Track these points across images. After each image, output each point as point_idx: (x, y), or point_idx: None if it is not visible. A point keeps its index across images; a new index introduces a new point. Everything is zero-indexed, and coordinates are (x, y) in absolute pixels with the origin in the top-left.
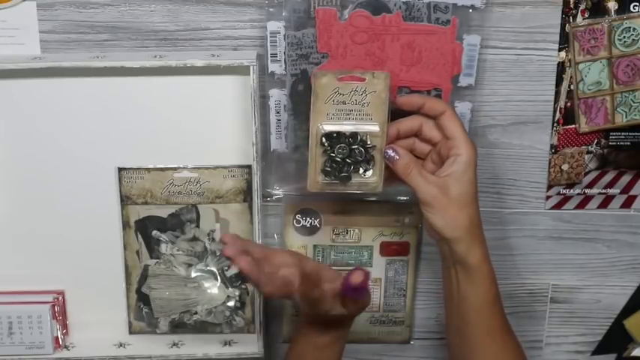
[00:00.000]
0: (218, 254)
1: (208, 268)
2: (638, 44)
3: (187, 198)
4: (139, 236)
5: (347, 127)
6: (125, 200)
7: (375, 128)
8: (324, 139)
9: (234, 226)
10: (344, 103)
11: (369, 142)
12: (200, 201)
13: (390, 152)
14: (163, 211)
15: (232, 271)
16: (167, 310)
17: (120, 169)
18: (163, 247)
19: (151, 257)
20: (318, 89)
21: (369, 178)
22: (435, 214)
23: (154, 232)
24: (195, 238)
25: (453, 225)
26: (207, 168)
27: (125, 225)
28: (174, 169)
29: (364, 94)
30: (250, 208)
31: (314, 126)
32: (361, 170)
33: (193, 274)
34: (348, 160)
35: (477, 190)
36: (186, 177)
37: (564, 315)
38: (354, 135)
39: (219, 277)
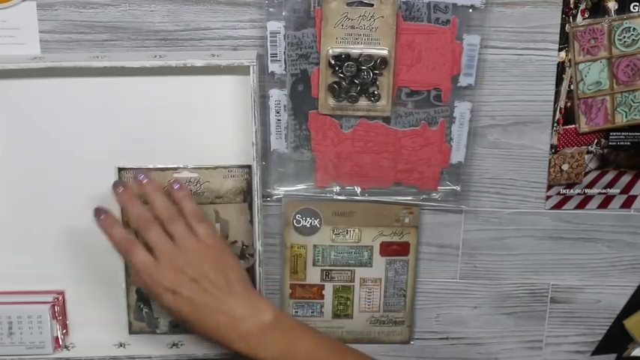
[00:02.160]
0: None
1: None
2: (638, 44)
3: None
4: (139, 236)
5: (355, 50)
6: None
7: (384, 52)
8: (332, 61)
9: (234, 226)
10: (352, 27)
11: (377, 65)
12: (200, 201)
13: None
14: None
15: None
16: None
17: (120, 169)
18: None
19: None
20: (327, 13)
21: (378, 101)
22: None
23: None
24: None
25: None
26: (207, 168)
27: (125, 225)
28: (175, 169)
29: (372, 20)
30: (250, 208)
31: (324, 49)
32: (370, 91)
33: None
34: (355, 80)
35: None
36: (186, 177)
37: (564, 315)
38: (362, 57)
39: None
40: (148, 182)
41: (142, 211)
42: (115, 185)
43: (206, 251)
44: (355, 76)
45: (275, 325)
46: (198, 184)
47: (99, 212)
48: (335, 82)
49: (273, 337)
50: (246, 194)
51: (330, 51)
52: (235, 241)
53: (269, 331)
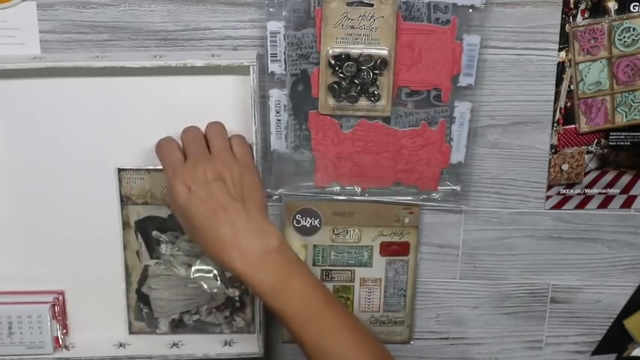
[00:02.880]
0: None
1: (208, 267)
2: (638, 44)
3: None
4: (139, 236)
5: (355, 51)
6: (125, 201)
7: (384, 52)
8: (332, 61)
9: None
10: (352, 27)
11: (377, 65)
12: None
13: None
14: (164, 212)
15: None
16: (167, 310)
17: (120, 170)
18: (163, 248)
19: (151, 257)
20: (327, 13)
21: (378, 101)
22: None
23: (154, 233)
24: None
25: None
26: None
27: (125, 225)
28: None
29: (372, 20)
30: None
31: (323, 49)
32: (370, 91)
33: (193, 275)
34: (355, 80)
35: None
36: None
37: (564, 315)
38: (362, 57)
39: (219, 278)
40: None
41: (196, 130)
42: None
43: (234, 164)
44: (355, 76)
45: (278, 252)
46: None
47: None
48: (335, 82)
49: (274, 264)
50: None
51: (330, 51)
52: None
53: (270, 257)
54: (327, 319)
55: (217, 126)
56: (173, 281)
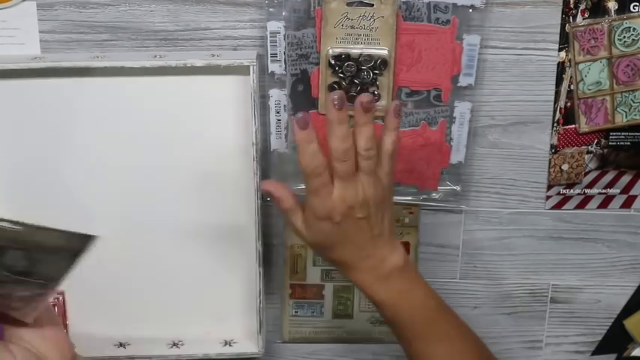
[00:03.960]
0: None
1: None
2: (638, 44)
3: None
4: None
5: (355, 51)
6: None
7: (384, 52)
8: (332, 61)
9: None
10: (352, 27)
11: (377, 65)
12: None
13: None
14: None
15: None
16: None
17: None
18: None
19: None
20: (327, 13)
21: (378, 101)
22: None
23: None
24: None
25: (326, 261)
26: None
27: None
28: None
29: (372, 20)
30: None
31: (323, 49)
32: (370, 92)
33: None
34: (355, 80)
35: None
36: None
37: (564, 315)
38: (362, 57)
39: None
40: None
41: (348, 140)
42: (333, 99)
43: (380, 190)
44: (355, 76)
45: (402, 269)
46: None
47: (300, 123)
48: (335, 82)
49: (398, 280)
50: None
51: (330, 51)
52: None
53: (395, 274)
54: (439, 326)
55: (367, 142)
56: None
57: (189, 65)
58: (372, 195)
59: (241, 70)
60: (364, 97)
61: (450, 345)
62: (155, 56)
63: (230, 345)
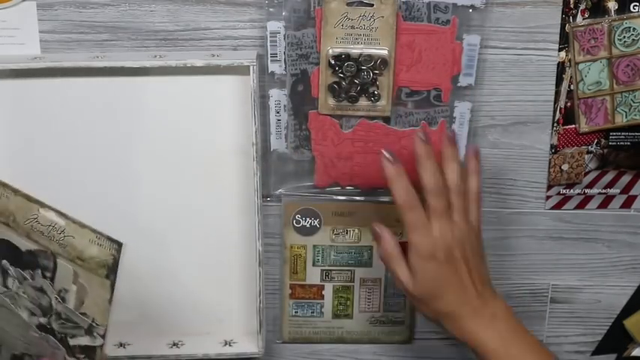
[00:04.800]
0: (64, 318)
1: (50, 327)
2: (638, 44)
3: (46, 238)
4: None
5: (355, 51)
6: None
7: (384, 52)
8: (332, 61)
9: (91, 297)
10: (352, 27)
11: (377, 65)
12: (60, 252)
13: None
14: (23, 243)
15: (78, 341)
16: (7, 343)
17: None
18: (10, 282)
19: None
20: (327, 13)
21: (378, 101)
22: (413, 302)
23: (4, 262)
24: (42, 290)
25: (430, 315)
26: (74, 222)
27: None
28: (41, 203)
29: (372, 20)
30: (112, 288)
31: (323, 49)
32: (370, 91)
33: (33, 324)
34: (355, 80)
35: (458, 272)
36: (51, 220)
37: (564, 315)
38: (362, 57)
39: (59, 343)
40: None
41: (438, 175)
42: (418, 136)
43: (472, 234)
44: (355, 76)
45: (506, 314)
46: (62, 234)
47: (390, 160)
48: (335, 82)
49: (503, 326)
50: (110, 271)
51: (330, 51)
52: (85, 313)
53: (500, 319)
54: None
55: (455, 178)
56: (15, 318)
57: (189, 65)
58: (466, 235)
59: (241, 70)
60: (450, 132)
61: None
62: (155, 56)
63: (230, 345)
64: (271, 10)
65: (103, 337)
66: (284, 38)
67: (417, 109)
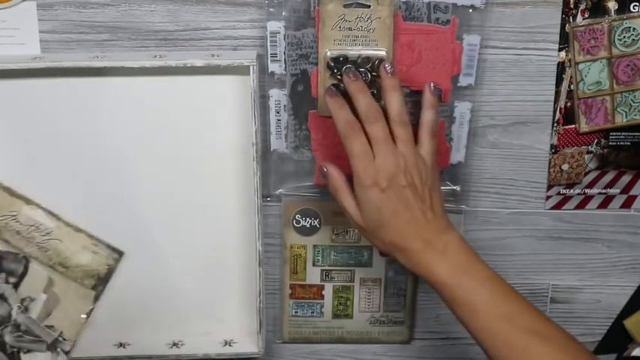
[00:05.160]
0: (22, 330)
1: (2, 339)
2: (638, 44)
3: (22, 239)
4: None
5: (353, 52)
6: None
7: (382, 53)
8: (331, 63)
9: (63, 308)
10: (350, 29)
11: (375, 67)
12: (37, 256)
13: (324, 168)
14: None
15: (33, 357)
16: None
17: None
18: None
19: None
20: (324, 15)
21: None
22: (362, 234)
23: None
24: (2, 297)
25: (382, 247)
26: (67, 224)
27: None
28: (28, 201)
29: (369, 21)
30: (96, 299)
31: (321, 52)
32: (369, 91)
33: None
34: None
35: (403, 207)
36: (32, 217)
37: (564, 315)
38: (360, 59)
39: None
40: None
41: (373, 104)
42: (347, 74)
43: (420, 164)
44: None
45: (459, 244)
46: (46, 236)
47: (330, 92)
48: (333, 84)
49: (456, 256)
50: (100, 282)
51: (329, 53)
52: (52, 326)
53: (453, 250)
54: (500, 307)
55: (398, 107)
56: None
57: (189, 65)
58: (413, 163)
59: (241, 70)
60: (387, 64)
61: (516, 327)
62: (155, 56)
63: (230, 345)
64: (271, 10)
65: (67, 354)
66: (284, 38)
67: (417, 109)
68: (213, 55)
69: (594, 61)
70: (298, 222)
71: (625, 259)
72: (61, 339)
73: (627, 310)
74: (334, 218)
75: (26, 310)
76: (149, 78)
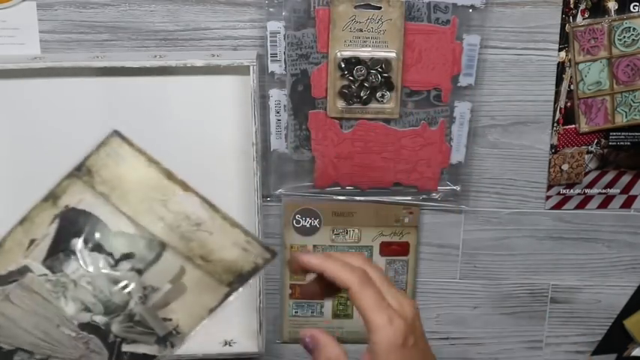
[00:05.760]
0: (135, 321)
1: (105, 328)
2: (638, 44)
3: (164, 227)
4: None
5: (364, 54)
6: None
7: (392, 55)
8: (342, 64)
9: (187, 302)
10: (361, 30)
11: (386, 68)
12: (175, 246)
13: (307, 340)
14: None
15: (135, 348)
16: (5, 336)
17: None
18: (73, 267)
19: (45, 261)
20: (335, 16)
21: (386, 104)
22: None
23: (73, 241)
24: (124, 287)
25: None
26: (225, 218)
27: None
28: (186, 187)
29: (380, 22)
30: (226, 296)
31: (332, 52)
32: (378, 94)
33: (80, 321)
34: (365, 84)
35: None
36: (187, 209)
37: (564, 315)
38: (371, 60)
39: (104, 347)
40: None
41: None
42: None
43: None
44: (365, 80)
45: None
46: (195, 226)
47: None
48: (344, 87)
49: None
50: (238, 279)
51: (339, 54)
52: (170, 319)
53: None
54: None
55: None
56: (42, 309)
57: (189, 65)
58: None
59: (241, 70)
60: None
61: None
62: (155, 56)
63: (230, 345)
64: (271, 10)
65: (174, 347)
66: (284, 38)
67: (417, 109)
68: (213, 55)
69: (594, 61)
70: (298, 222)
71: (625, 259)
72: (174, 332)
73: (627, 310)
74: (334, 218)
75: (145, 299)
76: (149, 78)
